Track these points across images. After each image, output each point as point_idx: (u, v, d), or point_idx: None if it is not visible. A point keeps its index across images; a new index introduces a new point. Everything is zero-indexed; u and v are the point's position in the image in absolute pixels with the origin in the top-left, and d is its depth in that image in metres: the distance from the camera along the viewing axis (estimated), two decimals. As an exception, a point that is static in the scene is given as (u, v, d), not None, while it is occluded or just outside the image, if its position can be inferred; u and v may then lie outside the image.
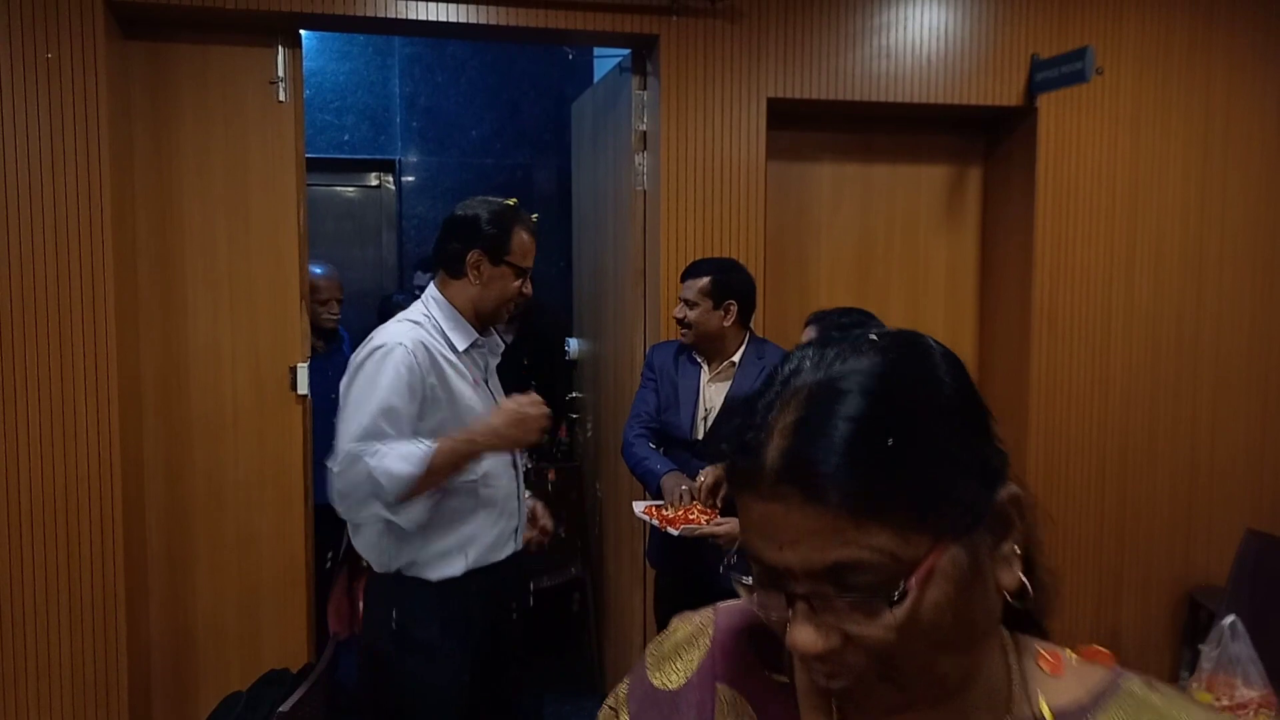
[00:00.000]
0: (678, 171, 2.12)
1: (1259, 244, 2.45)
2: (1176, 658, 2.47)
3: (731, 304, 1.83)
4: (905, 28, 2.21)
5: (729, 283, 1.84)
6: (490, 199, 1.58)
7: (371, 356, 1.43)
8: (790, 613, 0.44)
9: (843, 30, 2.17)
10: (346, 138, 3.04)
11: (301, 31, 2.04)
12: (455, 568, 1.47)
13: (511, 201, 1.58)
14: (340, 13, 1.94)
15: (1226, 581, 2.25)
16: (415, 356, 1.42)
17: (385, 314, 2.53)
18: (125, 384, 1.92)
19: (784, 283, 2.36)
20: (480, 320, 1.54)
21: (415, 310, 1.54)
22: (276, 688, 1.58)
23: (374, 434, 1.36)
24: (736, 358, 1.88)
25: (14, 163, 1.82)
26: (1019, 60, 2.26)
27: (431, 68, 3.07)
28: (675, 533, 1.53)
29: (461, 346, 1.51)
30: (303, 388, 2.06)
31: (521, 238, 1.54)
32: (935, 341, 0.49)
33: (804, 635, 0.44)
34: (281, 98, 2.01)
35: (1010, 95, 2.27)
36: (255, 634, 2.07)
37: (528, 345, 2.86)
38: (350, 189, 3.14)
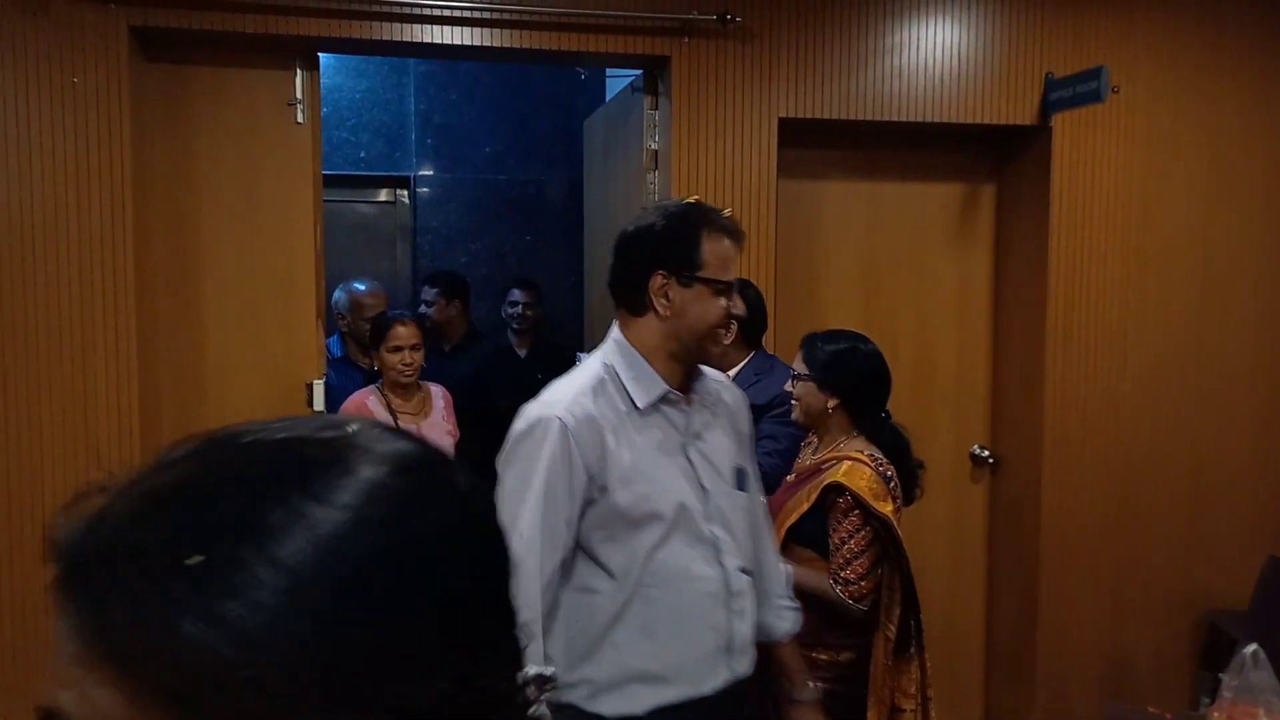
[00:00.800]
0: (689, 190, 2.13)
1: (1271, 262, 2.42)
2: (1194, 681, 2.43)
3: (733, 322, 1.86)
4: (918, 48, 2.21)
5: None
6: (666, 202, 1.21)
7: (523, 437, 1.09)
8: None
9: (855, 51, 2.18)
10: (362, 154, 3.08)
11: (319, 54, 2.08)
12: (636, 702, 1.10)
13: (693, 198, 1.23)
14: (358, 36, 1.98)
15: (1248, 608, 2.21)
16: (573, 438, 1.06)
17: (377, 335, 2.54)
18: (146, 401, 1.95)
19: (794, 301, 2.35)
20: (679, 363, 1.15)
21: (595, 362, 1.15)
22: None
23: (536, 547, 1.05)
24: (731, 374, 1.90)
25: (40, 183, 1.87)
26: (1033, 79, 2.25)
27: (446, 85, 3.11)
28: None
29: (643, 403, 1.12)
30: (318, 404, 2.08)
31: (716, 244, 1.14)
32: (468, 490, 0.33)
33: None
34: (299, 119, 2.05)
35: (1024, 114, 2.26)
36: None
37: (540, 360, 2.88)
38: (365, 204, 3.18)
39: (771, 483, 1.67)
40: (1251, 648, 1.78)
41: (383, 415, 2.12)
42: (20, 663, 1.90)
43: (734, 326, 1.82)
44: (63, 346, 1.89)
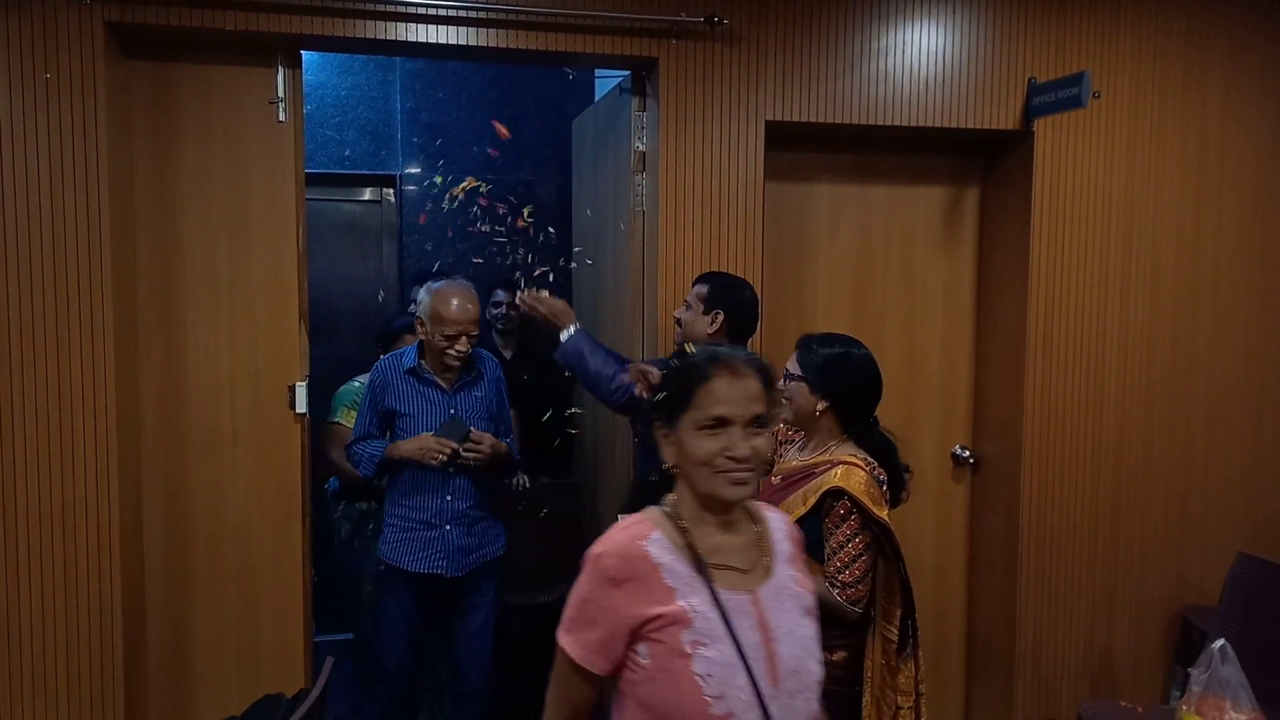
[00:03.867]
0: (676, 192, 2.14)
1: (1253, 266, 2.47)
2: (1168, 676, 2.49)
3: (719, 314, 1.90)
4: (903, 52, 2.22)
5: (722, 294, 1.92)
6: None
7: None
8: None
9: (841, 54, 2.19)
10: (347, 153, 3.05)
11: (301, 51, 2.05)
12: None
13: None
14: (341, 34, 1.95)
15: (1218, 604, 2.27)
16: None
17: (388, 343, 2.49)
18: (124, 403, 1.92)
19: (782, 303, 2.37)
20: None
21: None
22: (270, 714, 1.59)
23: None
24: None
25: (12, 183, 1.83)
26: (1016, 84, 2.28)
27: (433, 83, 3.09)
28: None
29: None
30: (301, 406, 2.07)
31: None
32: None
33: None
34: (281, 117, 2.02)
35: (1007, 119, 2.28)
36: (253, 654, 2.07)
37: (527, 361, 2.87)
38: (350, 203, 3.15)
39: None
40: (1219, 643, 1.83)
41: (697, 590, 0.94)
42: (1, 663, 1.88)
43: (720, 317, 1.88)
44: (36, 348, 1.85)
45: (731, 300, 1.90)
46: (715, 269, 2.13)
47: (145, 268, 1.99)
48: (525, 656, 2.62)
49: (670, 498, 1.01)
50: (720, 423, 0.95)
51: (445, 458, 1.94)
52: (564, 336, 1.90)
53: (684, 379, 0.98)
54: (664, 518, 0.99)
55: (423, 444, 1.96)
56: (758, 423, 0.96)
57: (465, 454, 1.97)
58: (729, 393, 0.95)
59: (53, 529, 1.88)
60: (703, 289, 1.92)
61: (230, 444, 2.04)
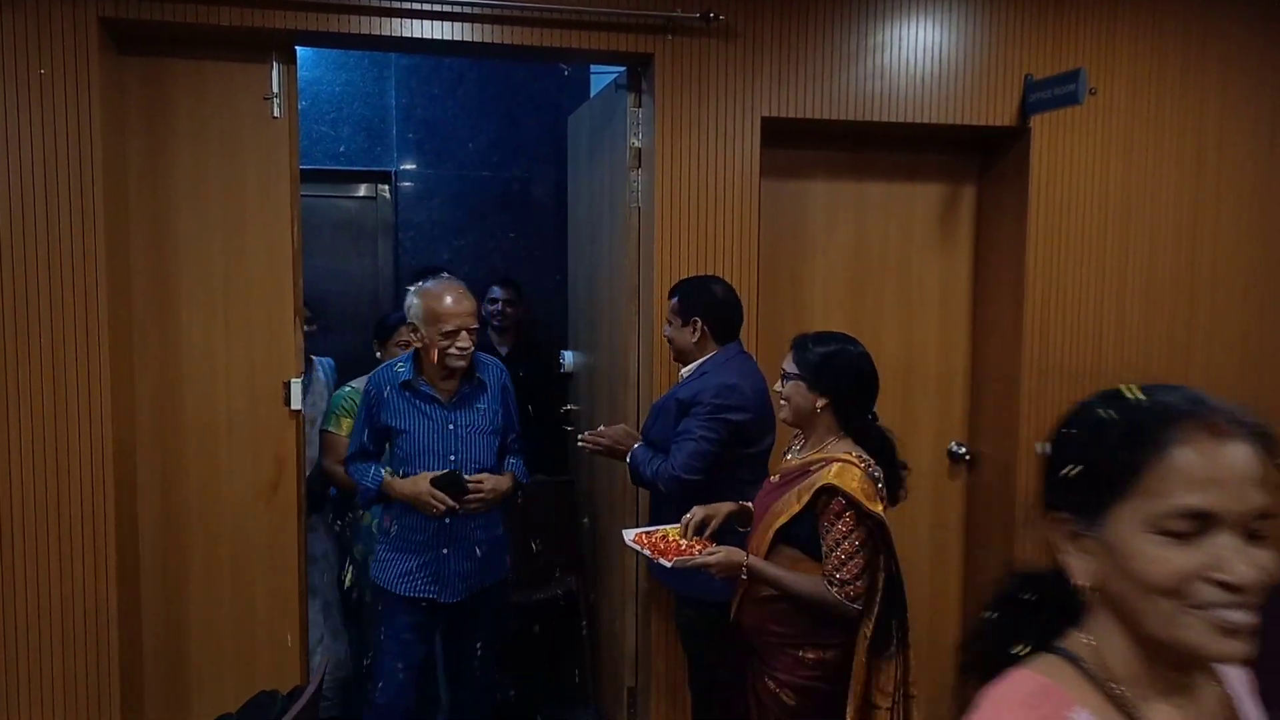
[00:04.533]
0: (672, 189, 2.13)
1: (1251, 265, 2.46)
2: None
3: (697, 320, 1.89)
4: (900, 48, 2.21)
5: (692, 300, 1.90)
6: None
7: None
8: None
9: (838, 50, 2.18)
10: (342, 149, 3.04)
11: (296, 47, 2.04)
12: None
13: None
14: (337, 30, 1.94)
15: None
16: None
17: (383, 336, 2.48)
18: (119, 400, 1.92)
19: (778, 300, 2.36)
20: None
21: None
22: (266, 711, 1.59)
23: None
24: (692, 366, 1.92)
25: (5, 179, 1.82)
26: (1013, 81, 2.27)
27: (428, 80, 3.08)
28: (668, 564, 1.55)
29: None
30: (295, 403, 2.06)
31: None
32: None
33: None
34: (276, 114, 2.01)
35: (1004, 115, 2.28)
36: (249, 651, 2.07)
37: (523, 358, 2.87)
38: (346, 199, 3.15)
39: (669, 484, 1.75)
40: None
41: None
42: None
43: (699, 323, 1.88)
44: (31, 345, 1.85)
45: (702, 302, 1.89)
46: (706, 267, 2.12)
47: (140, 264, 1.99)
48: (525, 656, 2.63)
49: (1082, 639, 0.63)
50: (1199, 521, 0.57)
51: (440, 513, 1.83)
52: (628, 458, 1.91)
53: (1120, 441, 0.61)
54: (1082, 679, 0.61)
55: (418, 491, 1.82)
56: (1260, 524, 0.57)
57: (466, 505, 1.84)
58: (1211, 469, 0.57)
59: (48, 527, 1.87)
60: (674, 302, 1.92)
61: (225, 441, 2.04)
